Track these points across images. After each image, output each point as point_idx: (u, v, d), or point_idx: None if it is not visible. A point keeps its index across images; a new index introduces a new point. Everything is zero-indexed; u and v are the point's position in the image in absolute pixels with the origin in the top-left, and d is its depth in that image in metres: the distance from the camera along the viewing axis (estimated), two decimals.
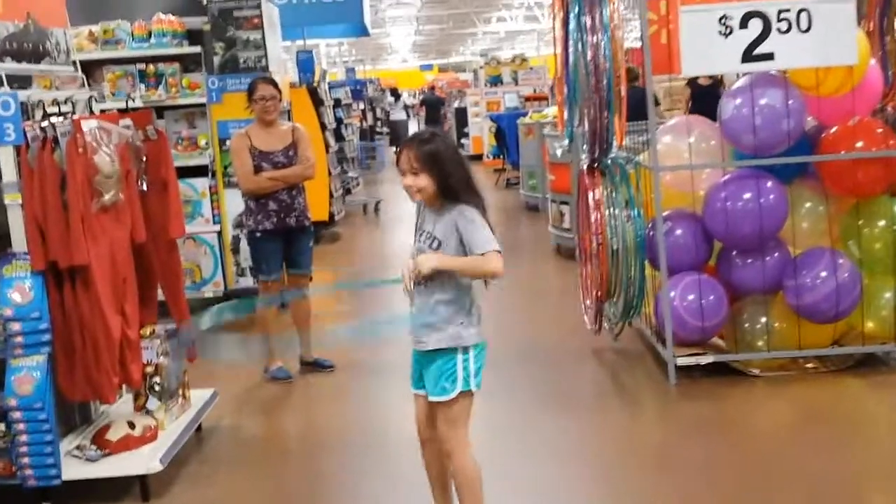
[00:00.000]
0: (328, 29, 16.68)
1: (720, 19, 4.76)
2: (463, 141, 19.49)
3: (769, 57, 4.76)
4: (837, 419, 4.64)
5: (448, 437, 3.24)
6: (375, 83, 28.58)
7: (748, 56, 4.76)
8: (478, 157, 18.02)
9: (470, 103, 18.81)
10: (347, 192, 12.98)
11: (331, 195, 10.51)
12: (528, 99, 16.15)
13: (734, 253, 5.22)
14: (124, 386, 4.35)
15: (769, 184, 5.04)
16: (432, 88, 26.58)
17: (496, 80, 17.80)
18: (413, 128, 26.88)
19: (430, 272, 3.11)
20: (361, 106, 19.26)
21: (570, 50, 5.10)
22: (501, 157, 15.58)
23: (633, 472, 4.14)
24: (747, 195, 5.03)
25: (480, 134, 17.93)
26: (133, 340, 4.18)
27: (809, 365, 5.21)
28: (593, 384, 5.31)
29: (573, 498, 3.90)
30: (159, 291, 4.63)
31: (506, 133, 14.13)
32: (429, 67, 47.85)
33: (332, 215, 10.58)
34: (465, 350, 3.19)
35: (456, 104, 20.95)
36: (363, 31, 17.27)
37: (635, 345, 5.86)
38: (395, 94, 26.16)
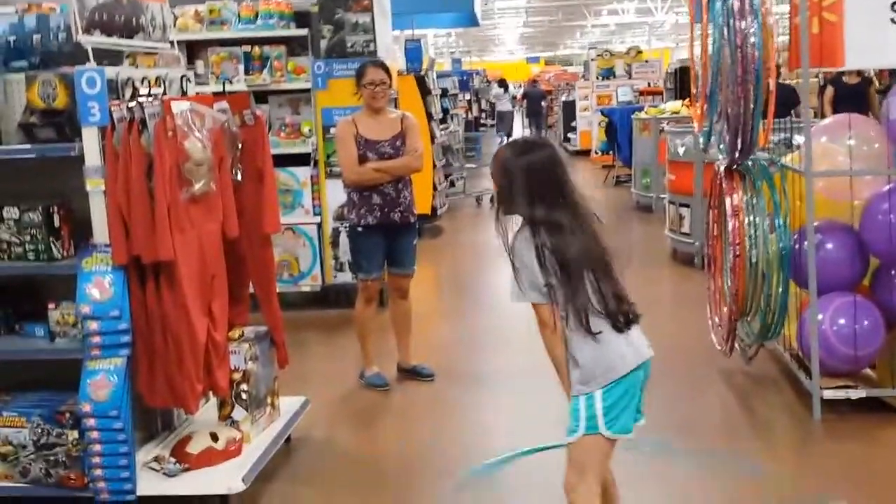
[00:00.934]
0: (438, 18, 16.37)
1: (892, 5, 4.12)
2: (570, 135, 18.89)
3: None
4: None
5: (571, 486, 2.83)
6: (481, 74, 28.18)
7: None
8: (585, 153, 17.40)
9: (579, 96, 18.16)
10: (451, 184, 12.55)
11: (434, 188, 10.10)
12: (642, 93, 15.43)
13: (893, 272, 4.56)
14: (210, 393, 4.00)
15: None
16: (534, 81, 26.01)
17: (608, 73, 17.12)
18: (518, 119, 26.41)
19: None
20: (467, 97, 18.86)
21: (713, 37, 4.51)
22: (611, 153, 14.91)
23: None
24: None
25: (589, 128, 17.27)
26: (220, 344, 3.82)
27: None
28: (724, 415, 4.72)
29: None
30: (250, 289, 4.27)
31: (617, 128, 13.46)
32: (535, 60, 47.25)
33: (434, 209, 10.16)
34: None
35: (564, 97, 20.33)
36: (473, 22, 16.89)
37: (770, 370, 5.24)
38: (503, 84, 25.64)
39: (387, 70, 5.18)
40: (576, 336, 2.77)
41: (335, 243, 7.02)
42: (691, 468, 4.07)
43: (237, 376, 3.98)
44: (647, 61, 17.37)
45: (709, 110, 4.77)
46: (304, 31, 6.99)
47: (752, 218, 4.69)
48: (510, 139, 3.00)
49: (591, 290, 2.76)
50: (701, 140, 5.11)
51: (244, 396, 4.00)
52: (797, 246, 4.67)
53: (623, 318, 2.78)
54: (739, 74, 4.42)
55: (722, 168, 4.93)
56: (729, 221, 4.73)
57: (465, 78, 19.24)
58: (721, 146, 4.90)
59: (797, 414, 4.61)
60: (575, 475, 2.81)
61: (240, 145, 4.07)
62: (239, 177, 4.07)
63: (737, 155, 4.71)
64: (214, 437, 3.81)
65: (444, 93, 12.78)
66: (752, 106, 4.45)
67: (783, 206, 4.68)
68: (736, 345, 5.10)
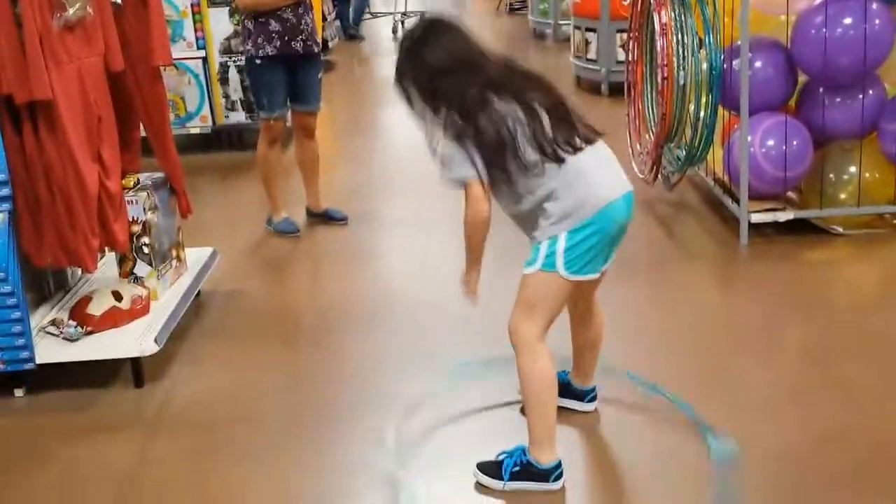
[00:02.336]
0: None
1: None
2: None
3: None
4: None
5: (515, 323, 2.59)
6: None
7: None
8: None
9: None
10: (339, 16, 11.81)
11: (324, 18, 9.44)
12: None
13: (822, 90, 4.41)
14: (106, 249, 3.59)
15: (874, 6, 4.18)
16: None
17: None
18: None
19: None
20: None
21: None
22: None
23: (701, 345, 3.50)
24: (849, 20, 4.18)
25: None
26: (114, 193, 3.39)
27: None
28: (650, 246, 4.57)
29: (633, 367, 3.21)
30: (142, 132, 3.79)
31: None
32: None
33: (325, 42, 9.53)
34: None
35: None
36: None
37: (692, 198, 5.13)
38: None
39: None
40: (538, 179, 2.48)
41: (224, 80, 6.46)
42: (625, 301, 3.93)
43: (136, 228, 3.57)
44: None
45: None
46: None
47: (680, 36, 4.43)
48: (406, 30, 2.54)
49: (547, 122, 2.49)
50: None
51: (146, 250, 3.60)
52: (726, 65, 4.45)
53: (581, 139, 2.52)
54: None
55: None
56: (657, 40, 4.45)
57: None
58: None
59: (724, 240, 4.52)
60: (522, 313, 2.55)
61: None
62: (119, 0, 3.53)
63: None
64: (118, 296, 3.43)
65: None
66: None
67: (713, 22, 4.42)
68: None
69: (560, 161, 2.47)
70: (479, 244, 2.59)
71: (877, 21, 4.17)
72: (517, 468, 2.56)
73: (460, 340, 3.54)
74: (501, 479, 2.57)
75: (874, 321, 3.61)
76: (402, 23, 12.59)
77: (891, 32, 4.21)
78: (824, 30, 4.19)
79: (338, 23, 11.31)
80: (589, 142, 2.55)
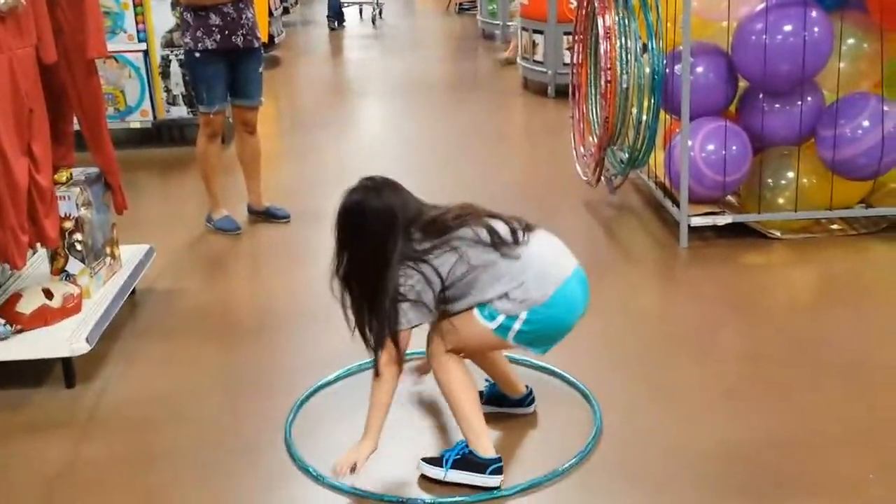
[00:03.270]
0: None
1: None
2: None
3: None
4: (864, 287, 4.07)
5: (434, 342, 2.64)
6: None
7: None
8: None
9: None
10: (285, 10, 11.72)
11: (270, 13, 9.34)
12: None
13: (761, 96, 4.47)
14: (37, 245, 3.49)
15: (814, 14, 4.25)
16: None
17: None
18: None
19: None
20: None
21: None
22: None
23: (638, 347, 3.52)
24: (789, 27, 4.24)
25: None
26: (45, 189, 3.30)
27: (835, 226, 4.60)
28: (590, 245, 4.60)
29: (571, 371, 3.22)
30: (75, 126, 3.70)
31: None
32: None
33: (271, 37, 9.44)
34: None
35: None
36: None
37: (634, 201, 5.16)
38: None
39: None
40: (491, 272, 2.50)
41: (165, 74, 6.36)
42: None
43: (69, 225, 3.48)
44: None
45: None
46: None
47: (623, 40, 4.45)
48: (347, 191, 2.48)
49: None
50: None
51: (79, 247, 3.52)
52: (668, 69, 4.49)
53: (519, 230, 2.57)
54: None
55: None
56: (601, 44, 4.47)
57: None
58: None
59: (664, 243, 4.55)
60: (445, 340, 2.59)
61: None
62: None
63: None
64: (48, 294, 3.34)
65: None
66: None
67: (656, 27, 4.45)
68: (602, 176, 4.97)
69: (515, 253, 2.51)
70: (384, 404, 2.57)
71: (816, 29, 4.23)
72: (458, 457, 2.59)
73: None
74: (442, 467, 2.59)
75: (810, 324, 3.67)
76: (379, 14, 12.88)
77: (829, 40, 4.27)
78: (764, 36, 4.24)
79: (281, 12, 11.19)
80: (528, 229, 2.59)
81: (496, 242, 2.50)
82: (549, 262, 2.57)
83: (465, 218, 2.53)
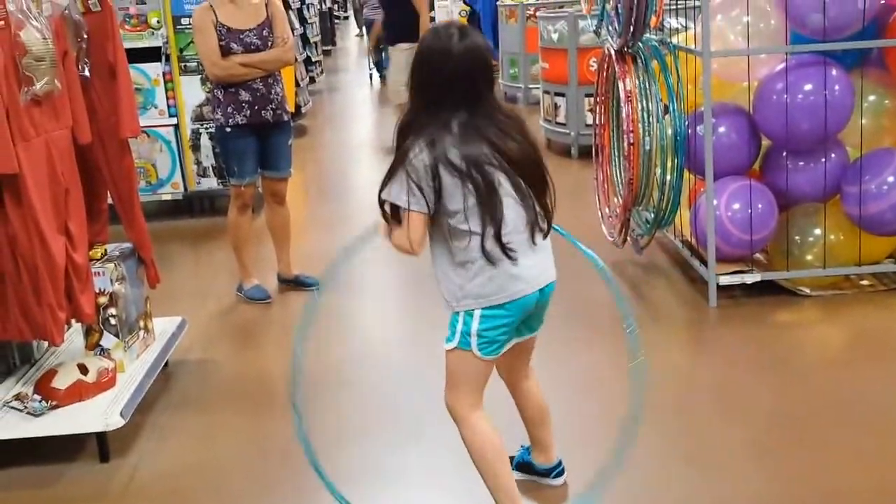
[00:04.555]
0: None
1: None
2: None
3: None
4: None
5: (447, 397, 2.62)
6: None
7: None
8: None
9: None
10: (311, 80, 11.95)
11: (297, 83, 9.53)
12: None
13: (785, 154, 4.49)
14: (73, 320, 3.55)
15: (835, 73, 4.28)
16: None
17: None
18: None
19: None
20: None
21: None
22: None
23: (670, 407, 3.49)
24: (809, 86, 4.27)
25: (449, 18, 16.78)
26: (81, 266, 3.37)
27: (865, 282, 4.58)
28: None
29: (604, 439, 3.20)
30: (109, 200, 3.78)
31: (481, 17, 13.08)
32: None
33: (298, 107, 9.62)
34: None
35: None
36: None
37: (661, 260, 5.16)
38: None
39: None
40: (466, 244, 2.44)
41: (195, 146, 6.49)
42: (593, 364, 3.93)
43: (103, 300, 3.54)
44: None
45: None
46: None
47: (644, 103, 4.50)
48: (435, 25, 2.54)
49: (510, 205, 2.44)
50: (592, 22, 4.84)
51: (113, 322, 3.57)
52: (690, 130, 4.53)
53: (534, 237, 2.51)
54: None
55: (613, 52, 4.69)
56: (622, 107, 4.52)
57: None
58: (611, 28, 4.65)
59: (693, 302, 4.55)
60: (450, 390, 2.60)
61: (85, 36, 3.53)
62: (87, 73, 3.55)
63: (629, 36, 4.47)
64: (83, 369, 3.39)
65: None
66: None
67: (677, 89, 4.50)
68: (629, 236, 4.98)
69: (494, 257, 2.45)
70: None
71: (836, 87, 4.26)
72: None
73: (435, 408, 3.51)
74: None
75: (842, 382, 3.63)
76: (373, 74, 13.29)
77: (850, 97, 4.30)
78: (786, 96, 4.27)
79: (308, 82, 11.43)
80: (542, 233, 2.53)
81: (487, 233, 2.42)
82: (521, 273, 2.48)
83: (499, 172, 2.41)
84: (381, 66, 13.81)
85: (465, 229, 2.42)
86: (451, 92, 2.40)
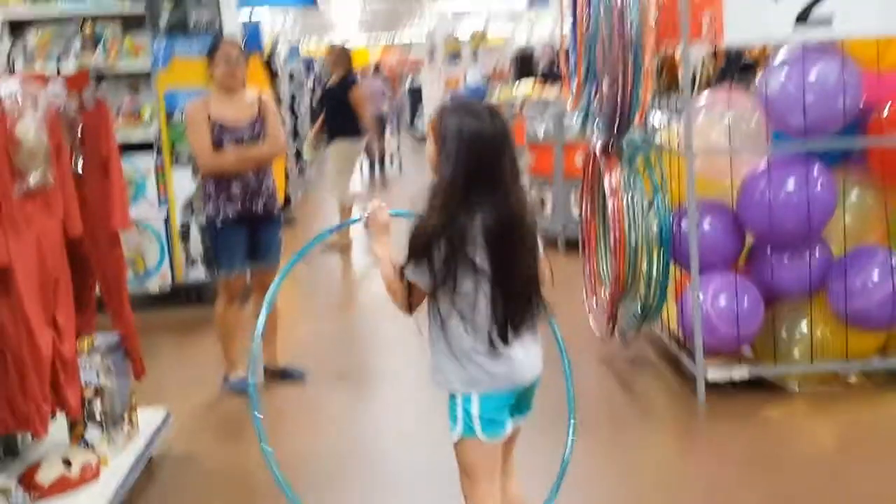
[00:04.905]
0: None
1: None
2: (416, 122, 18.69)
3: (827, 22, 4.07)
4: (886, 442, 4.01)
5: (465, 489, 2.59)
6: (323, 59, 27.46)
7: (802, 20, 4.06)
8: None
9: (426, 81, 17.96)
10: (301, 171, 12.09)
11: (286, 176, 9.64)
12: (491, 76, 15.38)
13: (770, 250, 4.55)
14: (57, 412, 3.51)
15: (816, 171, 4.37)
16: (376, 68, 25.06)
17: (454, 58, 17.00)
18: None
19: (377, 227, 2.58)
20: (310, 84, 18.35)
21: (592, 14, 4.34)
22: None
23: None
24: (792, 184, 4.35)
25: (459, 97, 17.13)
26: (68, 358, 3.35)
27: (853, 378, 4.58)
28: (608, 402, 4.60)
29: None
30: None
31: None
32: (375, 45, 46.87)
33: (288, 198, 9.71)
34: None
35: (408, 84, 20.08)
36: (311, 2, 16.45)
37: (649, 354, 5.17)
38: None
39: (241, 47, 4.77)
40: (462, 331, 2.45)
41: (185, 237, 6.52)
42: (581, 462, 3.89)
43: (89, 393, 3.52)
44: (491, 48, 17.37)
45: (586, 89, 4.62)
46: (141, 7, 6.43)
47: (630, 198, 4.58)
48: (456, 95, 2.64)
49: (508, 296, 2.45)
50: (577, 119, 4.95)
51: (98, 415, 3.54)
52: (675, 225, 4.59)
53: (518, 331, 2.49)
54: (617, 53, 4.27)
55: (598, 148, 4.79)
56: (608, 202, 4.59)
57: (307, 63, 18.70)
58: (596, 125, 4.76)
59: (681, 397, 4.54)
60: (466, 479, 2.58)
61: (80, 131, 3.59)
62: (80, 168, 3.59)
63: (614, 133, 4.57)
64: (67, 464, 3.34)
65: (291, 77, 12.28)
66: (630, 83, 4.32)
67: (661, 185, 4.58)
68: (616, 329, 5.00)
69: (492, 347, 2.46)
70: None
71: (819, 184, 4.34)
72: None
73: (425, 498, 3.48)
74: None
75: (833, 480, 3.60)
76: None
77: (833, 195, 4.38)
78: (769, 192, 4.35)
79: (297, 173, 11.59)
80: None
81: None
82: (514, 366, 2.49)
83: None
84: None
85: (469, 316, 2.44)
86: (487, 171, 2.39)
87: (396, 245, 2.55)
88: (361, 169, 14.68)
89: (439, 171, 2.42)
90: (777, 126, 4.45)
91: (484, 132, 2.38)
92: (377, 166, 14.86)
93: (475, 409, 2.48)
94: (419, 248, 2.40)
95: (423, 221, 2.41)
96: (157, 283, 6.54)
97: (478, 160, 2.37)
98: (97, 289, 3.78)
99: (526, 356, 2.53)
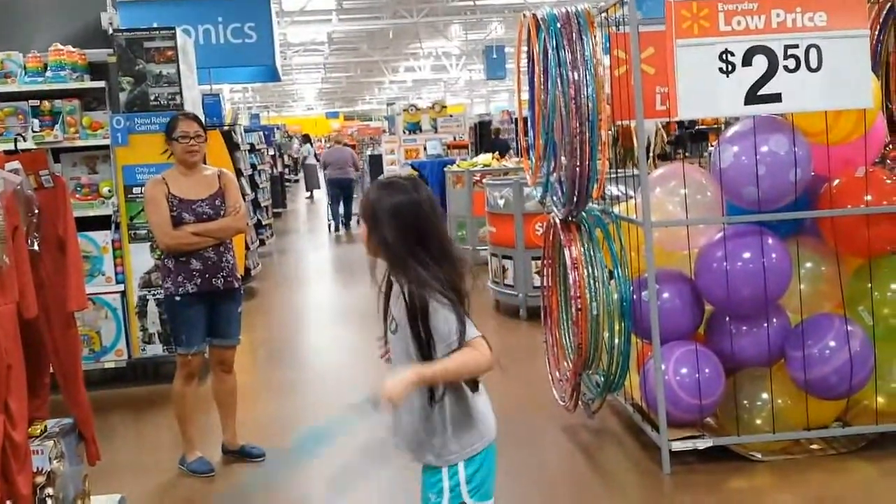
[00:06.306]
0: (236, 73, 15.87)
1: (721, 55, 4.17)
2: None
3: (776, 98, 4.18)
4: None
5: None
6: (282, 129, 27.72)
7: (752, 97, 4.18)
8: None
9: (385, 150, 18.10)
10: (261, 243, 12.04)
11: (247, 247, 9.59)
12: (451, 146, 15.55)
13: (728, 319, 4.59)
14: (8, 502, 3.39)
15: (771, 241, 4.44)
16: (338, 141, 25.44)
17: (414, 127, 17.17)
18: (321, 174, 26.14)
19: (402, 396, 2.42)
20: (271, 152, 18.43)
21: (549, 88, 4.41)
22: None
23: None
24: (748, 254, 4.42)
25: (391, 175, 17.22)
26: (19, 444, 3.25)
27: (815, 446, 4.59)
28: (571, 473, 4.56)
29: None
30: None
31: (428, 181, 13.45)
32: (335, 115, 47.28)
33: (248, 270, 9.65)
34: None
35: (369, 152, 20.24)
36: (274, 76, 16.52)
37: (613, 424, 5.15)
38: (307, 139, 25.28)
39: (200, 123, 4.78)
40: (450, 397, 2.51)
41: (142, 313, 6.43)
42: None
43: (41, 479, 3.40)
44: (451, 115, 17.57)
45: (545, 162, 4.68)
46: (100, 84, 6.44)
47: (590, 269, 4.61)
48: (378, 179, 2.70)
49: None
50: (537, 192, 4.99)
51: (49, 502, 3.42)
52: (636, 296, 4.62)
53: None
54: (574, 126, 4.34)
55: (558, 220, 4.83)
56: (569, 274, 4.62)
57: (266, 133, 18.80)
58: (556, 198, 4.81)
59: (646, 468, 4.51)
60: None
61: (36, 210, 3.54)
62: (36, 247, 3.54)
63: (573, 206, 4.61)
64: None
65: (252, 148, 12.32)
66: (587, 157, 4.38)
67: (620, 256, 4.62)
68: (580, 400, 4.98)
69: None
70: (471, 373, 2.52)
71: (773, 254, 4.41)
72: None
73: None
74: None
75: None
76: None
77: (788, 264, 4.44)
78: (725, 263, 4.40)
79: (258, 245, 11.59)
80: None
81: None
82: (488, 420, 2.60)
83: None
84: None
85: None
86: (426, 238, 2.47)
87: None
88: (329, 227, 16.08)
89: (373, 249, 2.52)
90: (731, 198, 4.53)
91: (412, 201, 2.48)
92: (343, 225, 16.12)
93: (462, 476, 2.51)
94: (450, 303, 2.45)
95: (421, 286, 2.44)
96: (113, 359, 6.42)
97: (414, 227, 2.47)
98: (51, 370, 3.69)
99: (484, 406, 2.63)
